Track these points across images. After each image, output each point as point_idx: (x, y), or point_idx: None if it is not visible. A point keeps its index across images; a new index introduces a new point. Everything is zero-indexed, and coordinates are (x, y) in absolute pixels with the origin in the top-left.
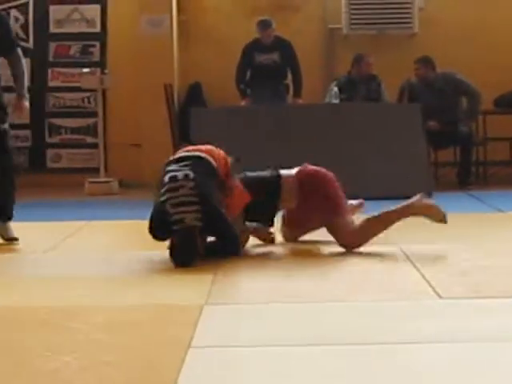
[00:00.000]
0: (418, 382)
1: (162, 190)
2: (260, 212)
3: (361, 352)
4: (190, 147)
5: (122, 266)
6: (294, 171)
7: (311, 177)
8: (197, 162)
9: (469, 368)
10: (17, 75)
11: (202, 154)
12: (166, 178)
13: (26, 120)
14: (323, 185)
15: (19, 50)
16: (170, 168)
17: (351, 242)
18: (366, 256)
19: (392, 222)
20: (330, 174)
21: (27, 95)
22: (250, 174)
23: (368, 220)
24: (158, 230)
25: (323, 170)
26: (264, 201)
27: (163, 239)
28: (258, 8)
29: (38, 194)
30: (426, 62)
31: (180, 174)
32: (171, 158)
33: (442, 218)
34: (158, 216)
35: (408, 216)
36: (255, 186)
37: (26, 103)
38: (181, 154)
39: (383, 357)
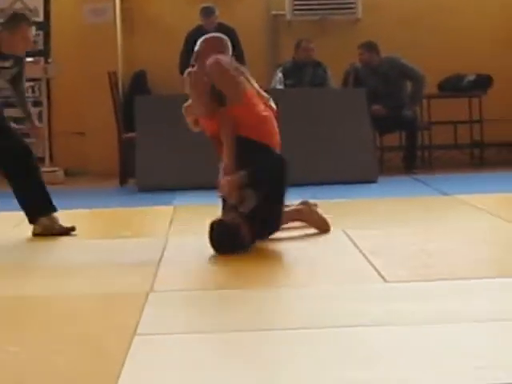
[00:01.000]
0: (364, 364)
1: None
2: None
3: (306, 336)
4: None
5: (68, 255)
6: None
7: None
8: None
9: (414, 350)
10: (22, 99)
11: None
12: None
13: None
14: None
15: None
16: None
17: None
18: (311, 240)
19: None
20: None
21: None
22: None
23: None
24: None
25: None
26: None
27: None
28: None
29: None
30: (370, 47)
31: None
32: None
33: (327, 229)
34: None
35: (294, 221)
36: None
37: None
38: None
39: (328, 340)
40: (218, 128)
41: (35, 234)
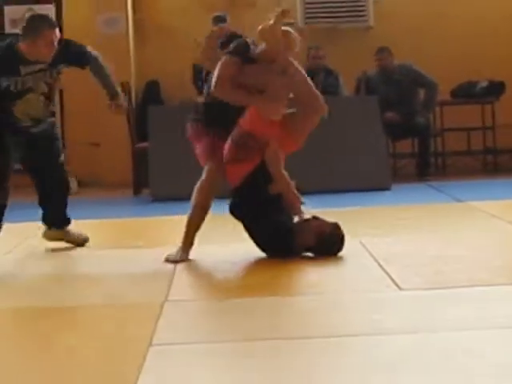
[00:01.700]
0: (383, 372)
1: None
2: None
3: (324, 345)
4: None
5: (83, 265)
6: None
7: None
8: None
9: (430, 358)
10: (103, 79)
11: None
12: None
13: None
14: None
15: (92, 55)
16: None
17: None
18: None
19: None
20: None
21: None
22: None
23: None
24: None
25: None
26: None
27: None
28: (213, 4)
29: None
30: (389, 51)
31: None
32: None
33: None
34: None
35: None
36: None
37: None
38: None
39: (346, 349)
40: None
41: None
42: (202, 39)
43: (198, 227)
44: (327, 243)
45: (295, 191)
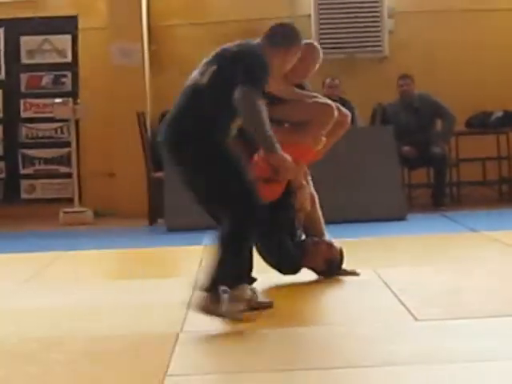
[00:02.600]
0: None
1: None
2: None
3: (338, 375)
4: None
5: (98, 295)
6: None
7: None
8: None
9: None
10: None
11: None
12: None
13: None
14: None
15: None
16: None
17: None
18: (341, 278)
19: None
20: None
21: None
22: None
23: None
24: None
25: None
26: None
27: None
28: (228, 35)
29: (12, 226)
30: (412, 78)
31: None
32: None
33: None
34: None
35: None
36: None
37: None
38: None
39: (364, 380)
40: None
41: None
42: None
43: None
44: (334, 268)
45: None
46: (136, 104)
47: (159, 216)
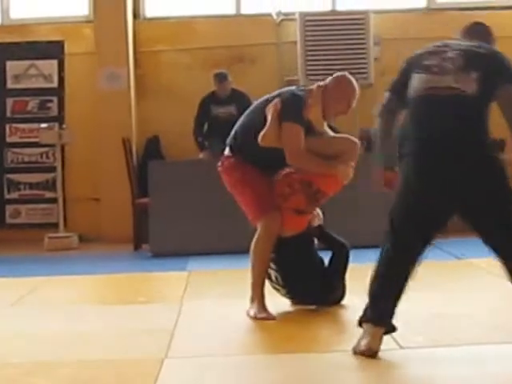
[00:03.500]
0: None
1: None
2: None
3: None
4: None
5: (83, 321)
6: None
7: None
8: None
9: None
10: None
11: None
12: None
13: None
14: None
15: None
16: None
17: None
18: (324, 307)
19: None
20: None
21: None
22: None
23: None
24: None
25: None
26: None
27: None
28: (215, 61)
29: None
30: None
31: None
32: None
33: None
34: None
35: None
36: None
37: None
38: None
39: None
40: None
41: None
42: None
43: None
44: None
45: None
46: (121, 129)
47: (144, 241)
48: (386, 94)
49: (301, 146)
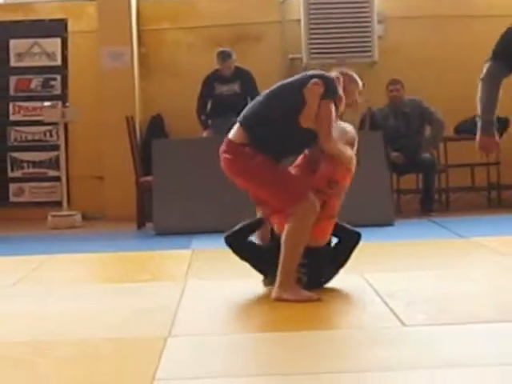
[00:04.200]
0: None
1: None
2: None
3: (326, 381)
4: None
5: (86, 299)
6: None
7: None
8: None
9: None
10: None
11: None
12: None
13: None
14: None
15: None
16: None
17: None
18: (329, 284)
19: None
20: None
21: None
22: None
23: None
24: None
25: None
26: None
27: None
28: (218, 39)
29: (0, 229)
30: (402, 84)
31: None
32: None
33: None
34: None
35: None
36: None
37: None
38: None
39: None
40: None
41: None
42: None
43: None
44: None
45: None
46: (125, 107)
47: (147, 220)
48: (489, 62)
49: (333, 126)
